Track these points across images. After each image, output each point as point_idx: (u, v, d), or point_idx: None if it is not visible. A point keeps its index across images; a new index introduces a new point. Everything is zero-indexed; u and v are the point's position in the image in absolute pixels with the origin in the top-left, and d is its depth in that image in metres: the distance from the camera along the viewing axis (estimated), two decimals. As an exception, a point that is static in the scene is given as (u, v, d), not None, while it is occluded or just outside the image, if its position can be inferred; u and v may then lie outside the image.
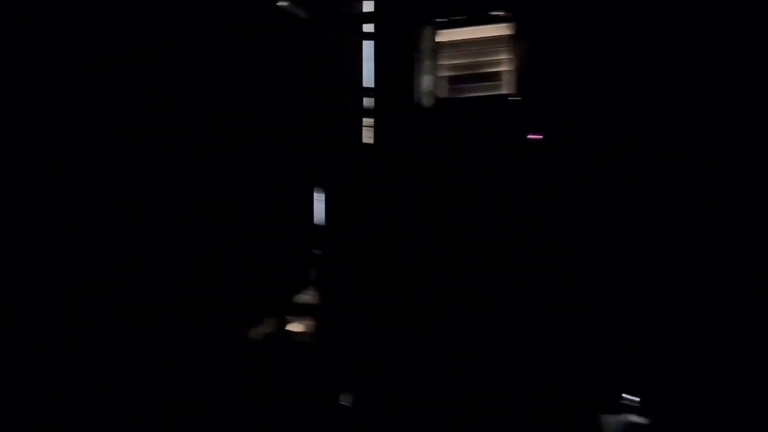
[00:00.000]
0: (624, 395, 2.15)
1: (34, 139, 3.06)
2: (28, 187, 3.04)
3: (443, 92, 2.86)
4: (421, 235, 2.66)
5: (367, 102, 2.99)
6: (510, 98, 2.64)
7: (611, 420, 2.15)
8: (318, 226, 2.91)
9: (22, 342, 2.96)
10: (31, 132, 3.06)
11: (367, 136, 2.96)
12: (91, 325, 2.90)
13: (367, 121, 2.98)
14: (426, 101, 2.84)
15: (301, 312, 2.90)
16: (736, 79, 2.10)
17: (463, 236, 2.57)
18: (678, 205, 2.15)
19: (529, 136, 2.51)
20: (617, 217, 2.22)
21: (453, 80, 2.85)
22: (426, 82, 2.87)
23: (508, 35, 2.72)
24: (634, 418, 2.13)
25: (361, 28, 2.97)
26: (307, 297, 2.90)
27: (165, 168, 2.87)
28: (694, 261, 2.12)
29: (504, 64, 2.76)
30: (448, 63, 2.87)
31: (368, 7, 3.00)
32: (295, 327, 2.95)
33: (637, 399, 2.14)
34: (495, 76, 2.77)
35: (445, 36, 2.88)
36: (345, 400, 2.64)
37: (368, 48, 2.99)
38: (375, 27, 2.94)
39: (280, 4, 2.96)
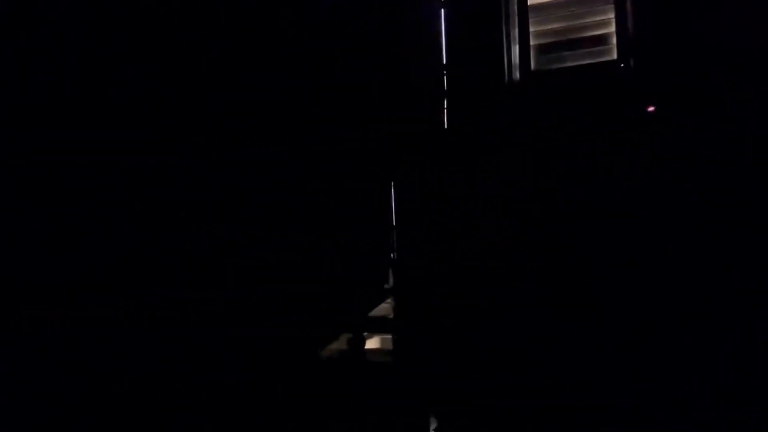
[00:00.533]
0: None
1: (34, 139, 3.06)
2: (28, 187, 3.05)
3: (535, 64, 2.41)
4: (514, 236, 2.37)
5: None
6: (621, 65, 2.24)
7: None
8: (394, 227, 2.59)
9: (22, 342, 2.96)
10: (31, 132, 3.06)
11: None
12: (91, 325, 2.90)
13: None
14: (514, 75, 2.41)
15: (378, 327, 2.61)
16: (737, 79, 2.10)
17: (567, 237, 2.29)
18: (678, 205, 2.15)
19: (649, 109, 2.12)
20: (617, 217, 2.22)
21: (547, 48, 2.41)
22: (514, 52, 2.43)
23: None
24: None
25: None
26: (384, 308, 2.61)
27: (165, 167, 2.86)
28: (694, 261, 2.12)
29: (610, 24, 2.31)
30: (540, 29, 2.44)
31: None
32: (373, 344, 2.67)
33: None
34: (600, 40, 2.33)
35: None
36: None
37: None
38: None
39: None
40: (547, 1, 2.42)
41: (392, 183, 2.57)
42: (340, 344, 2.62)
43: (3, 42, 3.14)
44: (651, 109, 2.16)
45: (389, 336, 2.59)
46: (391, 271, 2.56)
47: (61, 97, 3.07)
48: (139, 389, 2.83)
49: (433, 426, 2.45)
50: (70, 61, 3.07)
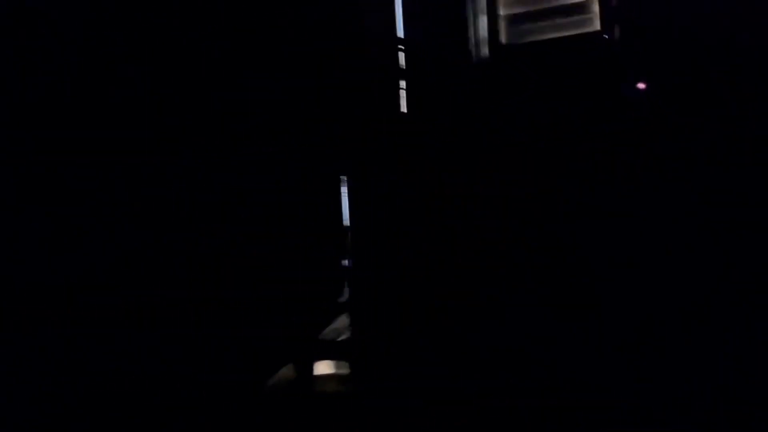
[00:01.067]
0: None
1: (34, 139, 3.05)
2: (28, 187, 3.04)
3: (505, 37, 2.07)
4: (486, 232, 2.09)
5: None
6: (602, 36, 1.91)
7: None
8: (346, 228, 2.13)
9: (22, 342, 2.96)
10: (31, 132, 3.06)
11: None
12: (91, 325, 2.90)
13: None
14: (481, 50, 2.06)
15: (330, 351, 2.16)
16: (737, 79, 2.10)
17: (543, 230, 2.05)
18: (678, 205, 2.15)
19: (639, 86, 1.83)
20: (617, 217, 2.22)
21: (519, 19, 2.06)
22: (481, 24, 2.08)
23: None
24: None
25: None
26: (338, 328, 2.16)
27: (165, 167, 2.86)
28: (694, 261, 2.12)
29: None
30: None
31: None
32: (324, 370, 2.18)
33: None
34: (579, 8, 1.98)
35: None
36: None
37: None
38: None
39: None
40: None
41: (344, 177, 2.15)
42: (285, 373, 2.16)
43: (3, 42, 3.14)
44: (641, 86, 1.95)
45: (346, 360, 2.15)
46: (345, 281, 2.16)
47: (61, 97, 3.07)
48: (138, 389, 2.83)
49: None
50: (70, 61, 3.06)
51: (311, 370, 2.18)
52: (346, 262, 2.17)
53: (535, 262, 2.33)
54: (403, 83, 2.15)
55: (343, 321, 2.16)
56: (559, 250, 2.30)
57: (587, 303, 2.26)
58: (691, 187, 2.16)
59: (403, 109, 2.14)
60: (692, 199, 2.15)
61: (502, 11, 2.10)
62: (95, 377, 2.87)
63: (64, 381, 2.91)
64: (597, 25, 2.01)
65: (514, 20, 2.10)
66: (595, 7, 1.99)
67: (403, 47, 2.13)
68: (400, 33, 2.16)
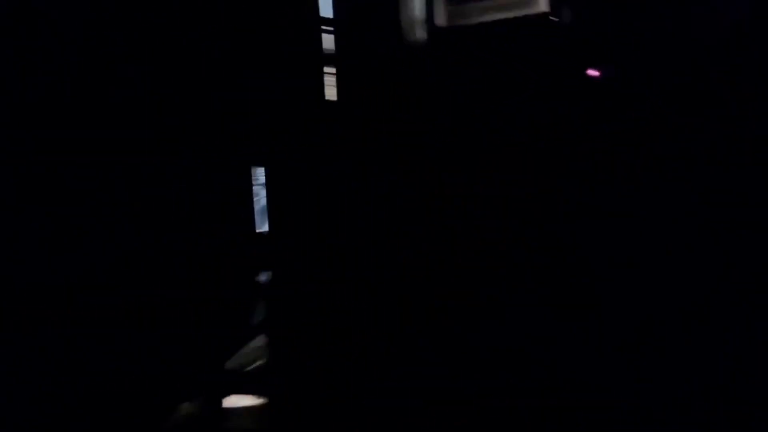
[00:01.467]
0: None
1: (34, 139, 3.06)
2: (28, 187, 3.04)
3: (443, 19, 1.85)
4: (418, 238, 1.92)
5: (327, 42, 1.91)
6: (551, 19, 1.71)
7: None
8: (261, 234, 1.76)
9: (22, 342, 2.96)
10: (31, 132, 3.06)
11: (329, 94, 1.94)
12: (91, 325, 2.89)
13: (328, 70, 1.94)
14: (417, 34, 1.85)
15: (241, 384, 1.77)
16: (736, 79, 2.10)
17: (471, 233, 1.92)
18: (678, 205, 2.15)
19: (589, 72, 1.65)
20: (617, 217, 2.22)
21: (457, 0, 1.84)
22: (417, 6, 1.87)
23: None
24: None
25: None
26: (254, 351, 1.74)
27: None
28: (694, 261, 2.12)
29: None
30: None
31: None
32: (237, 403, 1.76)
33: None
34: None
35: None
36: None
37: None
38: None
39: None
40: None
41: (263, 172, 1.83)
42: (187, 410, 1.77)
43: (3, 42, 3.14)
44: (593, 72, 1.77)
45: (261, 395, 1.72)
46: (261, 298, 1.78)
47: (61, 97, 3.07)
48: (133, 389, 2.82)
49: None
50: (70, 61, 3.06)
51: (219, 404, 1.78)
52: (262, 276, 1.76)
53: (535, 261, 2.33)
54: (331, 69, 1.92)
55: (257, 345, 1.80)
56: (559, 250, 2.30)
57: (587, 303, 2.26)
58: (691, 187, 2.16)
59: (332, 96, 1.89)
60: (692, 199, 2.15)
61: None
62: (95, 377, 2.87)
63: (64, 381, 2.91)
64: (544, 6, 1.81)
65: (452, 0, 1.87)
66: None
67: (331, 29, 1.92)
68: (329, 14, 1.93)
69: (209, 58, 2.07)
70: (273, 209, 1.79)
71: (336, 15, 1.90)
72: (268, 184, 1.79)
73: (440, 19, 1.84)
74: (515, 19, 1.75)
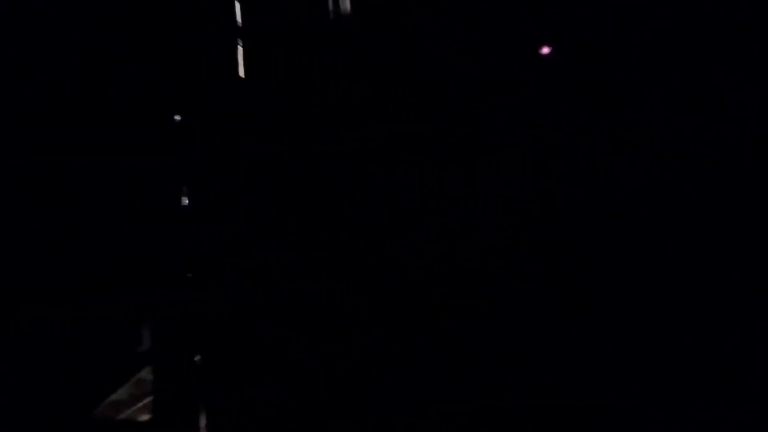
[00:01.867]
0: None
1: (34, 139, 3.06)
2: (28, 187, 3.04)
3: None
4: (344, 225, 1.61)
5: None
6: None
7: None
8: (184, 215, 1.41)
9: (22, 342, 2.96)
10: (31, 132, 3.06)
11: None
12: (91, 325, 2.90)
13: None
14: (342, 6, 1.56)
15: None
16: (736, 79, 2.10)
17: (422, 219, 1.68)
18: (678, 205, 2.15)
19: (544, 51, 1.41)
20: (617, 217, 2.22)
21: None
22: None
23: None
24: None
25: None
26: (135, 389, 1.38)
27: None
28: (694, 261, 2.12)
29: None
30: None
31: None
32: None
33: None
34: None
35: None
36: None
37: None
38: None
39: None
40: None
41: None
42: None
43: (3, 42, 3.13)
44: (545, 50, 1.55)
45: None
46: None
47: (61, 97, 3.07)
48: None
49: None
50: (70, 61, 3.06)
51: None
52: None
53: (533, 261, 2.33)
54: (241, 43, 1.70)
55: (142, 380, 1.40)
56: (559, 250, 2.30)
57: (587, 303, 2.26)
58: (691, 187, 2.16)
59: (242, 73, 1.67)
60: (692, 199, 2.15)
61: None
62: (95, 377, 2.87)
63: (64, 381, 2.91)
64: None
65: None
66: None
67: (239, 2, 1.70)
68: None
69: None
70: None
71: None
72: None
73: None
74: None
